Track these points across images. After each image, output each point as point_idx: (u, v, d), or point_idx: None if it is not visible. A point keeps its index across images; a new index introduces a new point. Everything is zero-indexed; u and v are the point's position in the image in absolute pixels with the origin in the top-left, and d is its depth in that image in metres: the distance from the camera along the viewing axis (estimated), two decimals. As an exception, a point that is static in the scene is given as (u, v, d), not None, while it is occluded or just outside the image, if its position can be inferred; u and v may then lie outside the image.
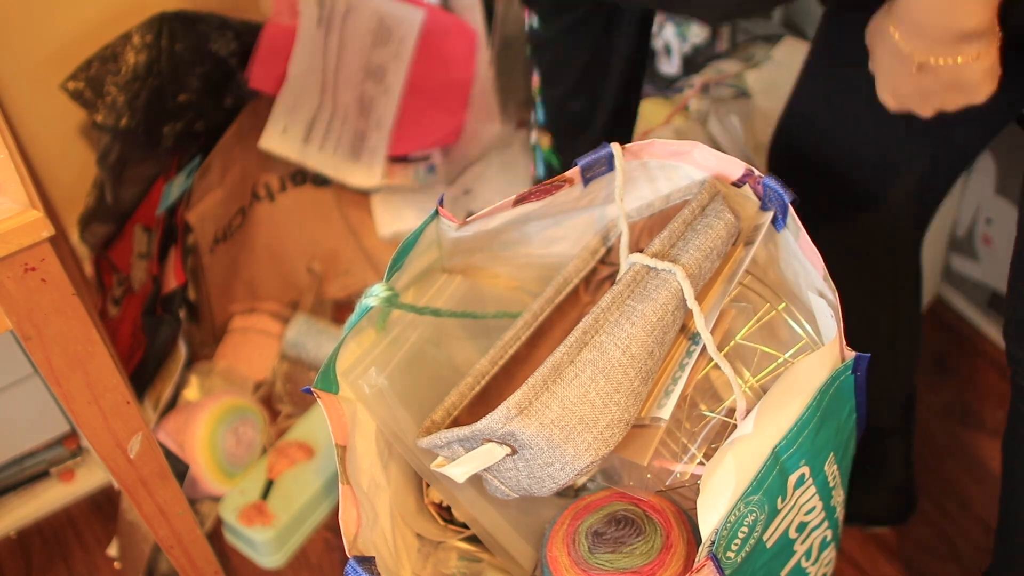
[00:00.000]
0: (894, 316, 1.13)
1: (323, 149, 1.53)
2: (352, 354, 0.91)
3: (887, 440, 1.22)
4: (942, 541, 1.28)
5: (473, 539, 0.96)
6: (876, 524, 1.29)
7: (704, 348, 0.87)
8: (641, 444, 0.85)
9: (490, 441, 0.79)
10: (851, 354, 0.81)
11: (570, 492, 0.97)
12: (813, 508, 0.84)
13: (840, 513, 0.90)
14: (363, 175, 1.53)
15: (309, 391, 0.84)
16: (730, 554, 0.75)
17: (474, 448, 0.81)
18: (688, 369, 0.87)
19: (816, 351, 0.81)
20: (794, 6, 1.51)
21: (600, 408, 0.78)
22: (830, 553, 0.92)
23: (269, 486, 1.33)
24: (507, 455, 0.79)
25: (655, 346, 0.82)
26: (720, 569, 0.72)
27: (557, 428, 0.77)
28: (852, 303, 0.89)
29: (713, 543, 0.73)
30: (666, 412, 0.84)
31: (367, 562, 0.78)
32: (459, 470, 0.82)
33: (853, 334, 0.85)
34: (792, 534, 0.83)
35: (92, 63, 1.37)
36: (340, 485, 0.83)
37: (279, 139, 1.52)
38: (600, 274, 0.99)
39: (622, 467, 0.93)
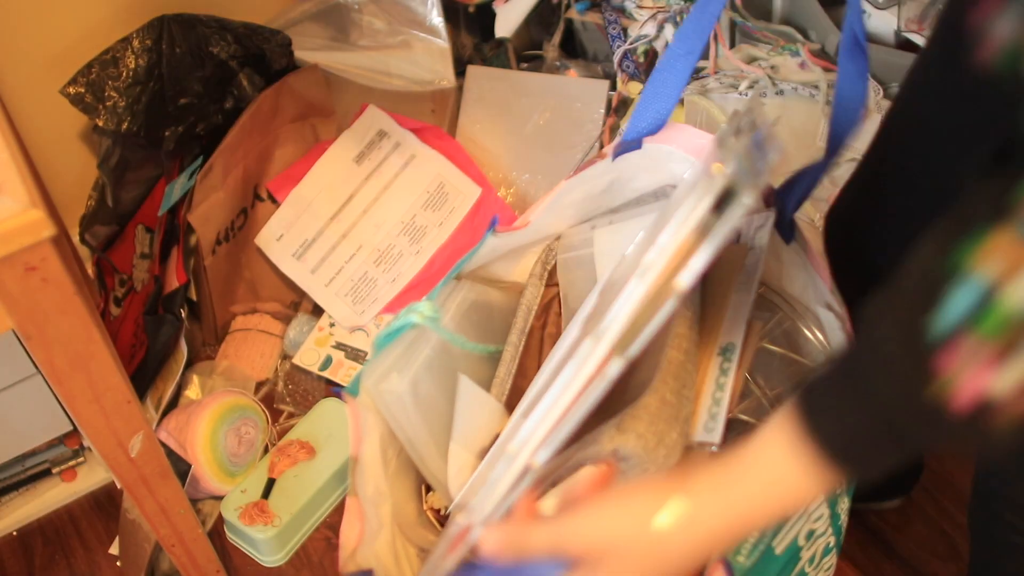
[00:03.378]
0: None
1: (316, 273, 1.53)
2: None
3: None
4: (942, 541, 1.28)
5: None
6: (879, 501, 1.30)
7: (738, 363, 0.88)
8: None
9: (584, 465, 0.82)
10: None
11: None
12: (821, 516, 0.85)
13: (844, 521, 0.90)
14: (350, 315, 1.53)
15: (339, 393, 0.85)
16: (740, 558, 0.75)
17: (564, 478, 0.84)
18: (728, 388, 0.88)
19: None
20: (795, 6, 1.51)
21: (676, 406, 0.81)
22: (831, 559, 0.92)
23: (270, 485, 1.34)
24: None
25: (696, 337, 0.85)
26: (731, 572, 0.72)
27: (651, 434, 0.80)
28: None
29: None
30: (716, 436, 0.85)
31: None
32: (552, 501, 0.84)
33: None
34: (801, 541, 0.84)
35: (92, 67, 1.37)
36: (347, 498, 0.84)
37: (274, 245, 1.53)
38: (545, 297, 1.01)
39: None
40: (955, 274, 0.45)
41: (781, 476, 0.56)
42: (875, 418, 0.51)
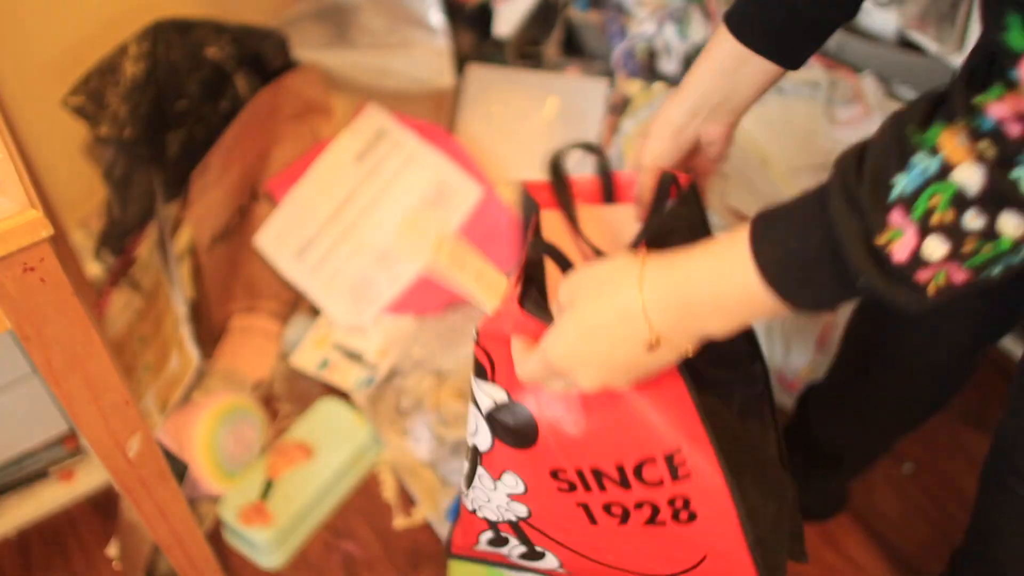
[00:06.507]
0: None
1: (315, 273, 1.53)
2: None
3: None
4: (942, 541, 1.28)
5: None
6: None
7: None
8: None
9: None
10: None
11: None
12: None
13: None
14: (349, 315, 1.52)
15: None
16: None
17: None
18: None
19: None
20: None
21: None
22: None
23: (268, 486, 1.33)
24: None
25: None
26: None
27: None
28: None
29: None
30: None
31: None
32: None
33: None
34: None
35: (91, 77, 1.36)
36: None
37: (273, 244, 1.53)
38: None
39: None
40: (921, 147, 0.53)
41: (728, 268, 0.62)
42: (822, 249, 0.58)
